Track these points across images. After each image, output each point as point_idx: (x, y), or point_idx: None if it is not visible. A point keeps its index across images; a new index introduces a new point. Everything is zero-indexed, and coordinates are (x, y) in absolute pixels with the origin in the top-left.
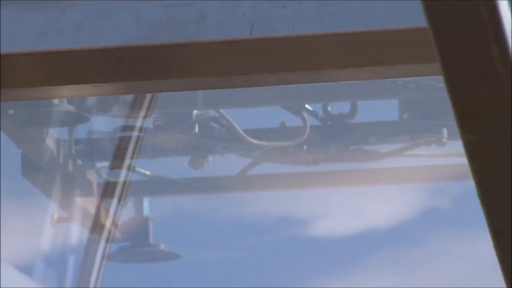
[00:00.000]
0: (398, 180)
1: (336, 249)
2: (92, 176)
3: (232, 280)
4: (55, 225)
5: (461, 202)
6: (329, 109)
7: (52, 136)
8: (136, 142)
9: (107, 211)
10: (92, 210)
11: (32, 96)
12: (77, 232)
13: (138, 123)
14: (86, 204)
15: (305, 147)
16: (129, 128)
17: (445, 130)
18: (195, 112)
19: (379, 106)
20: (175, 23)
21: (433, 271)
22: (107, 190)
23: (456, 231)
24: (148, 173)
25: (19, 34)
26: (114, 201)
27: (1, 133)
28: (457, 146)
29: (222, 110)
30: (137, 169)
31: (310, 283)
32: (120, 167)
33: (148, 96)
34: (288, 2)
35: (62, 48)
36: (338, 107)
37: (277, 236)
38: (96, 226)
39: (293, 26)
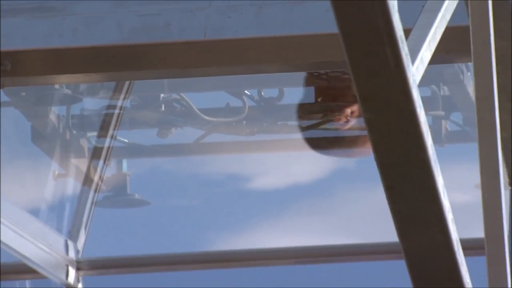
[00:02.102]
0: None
1: (270, 198)
2: (84, 143)
3: (189, 221)
4: (56, 179)
5: (363, 163)
6: (263, 93)
7: (54, 112)
8: (118, 117)
9: (95, 169)
10: (84, 168)
11: (39, 82)
12: (72, 185)
13: (119, 103)
14: (79, 163)
15: (244, 122)
16: (112, 107)
17: (348, 110)
18: (162, 95)
19: (300, 91)
20: (147, 29)
21: (342, 214)
22: (95, 153)
23: (359, 185)
24: (126, 140)
25: (30, 35)
26: (101, 162)
27: (16, 110)
28: (359, 122)
29: (182, 94)
30: (118, 137)
31: (251, 223)
32: (105, 136)
33: (127, 83)
34: (232, 13)
35: (62, 46)
36: (269, 92)
37: (225, 188)
38: (87, 180)
39: (236, 31)
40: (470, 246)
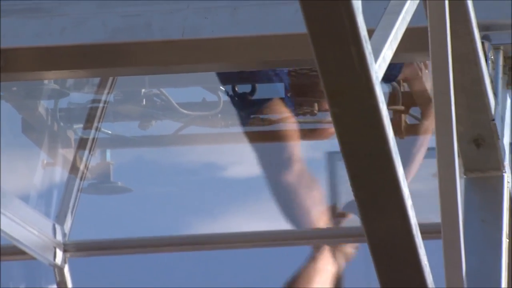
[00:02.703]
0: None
1: (243, 186)
2: (71, 134)
3: (168, 207)
4: (44, 168)
5: (330, 154)
6: (236, 89)
7: (43, 106)
8: (102, 111)
9: (81, 158)
10: (70, 157)
11: (29, 77)
12: (59, 173)
13: (103, 97)
14: (66, 153)
15: (219, 115)
16: (97, 101)
17: (316, 104)
18: (143, 90)
19: (272, 87)
20: (130, 28)
21: None
22: (81, 144)
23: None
24: (110, 132)
25: (22, 34)
26: (86, 152)
27: (7, 104)
28: (326, 116)
29: (162, 89)
30: (102, 129)
31: (226, 209)
32: (90, 128)
33: (110, 79)
34: (209, 14)
35: (51, 45)
36: (243, 88)
37: (201, 176)
38: (73, 169)
39: (212, 31)
40: (427, 230)
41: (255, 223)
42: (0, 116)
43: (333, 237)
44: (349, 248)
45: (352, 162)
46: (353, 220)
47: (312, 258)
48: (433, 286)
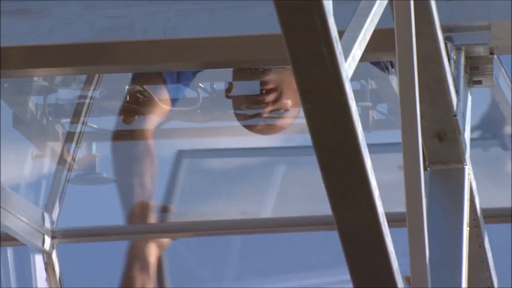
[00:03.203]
0: (260, 131)
1: (221, 175)
2: (59, 128)
3: None
4: (34, 159)
5: (304, 146)
6: (215, 86)
7: (33, 101)
8: (88, 106)
9: (68, 151)
10: (58, 150)
11: (20, 75)
12: (48, 164)
13: (89, 93)
14: (54, 146)
15: (198, 111)
16: (83, 96)
17: (289, 101)
18: (126, 87)
19: (248, 84)
20: (114, 29)
21: (281, 191)
22: (68, 137)
23: (298, 167)
24: (95, 126)
25: (13, 34)
26: (73, 145)
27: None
28: (298, 112)
29: (144, 86)
30: (88, 123)
31: (204, 197)
32: (77, 122)
33: (96, 76)
34: (189, 15)
35: (40, 44)
36: (220, 85)
37: (181, 166)
38: (61, 161)
39: (192, 31)
40: (393, 219)
41: (232, 210)
42: None
43: (304, 225)
44: (166, 240)
45: (323, 155)
46: (323, 209)
47: (131, 248)
48: (399, 271)
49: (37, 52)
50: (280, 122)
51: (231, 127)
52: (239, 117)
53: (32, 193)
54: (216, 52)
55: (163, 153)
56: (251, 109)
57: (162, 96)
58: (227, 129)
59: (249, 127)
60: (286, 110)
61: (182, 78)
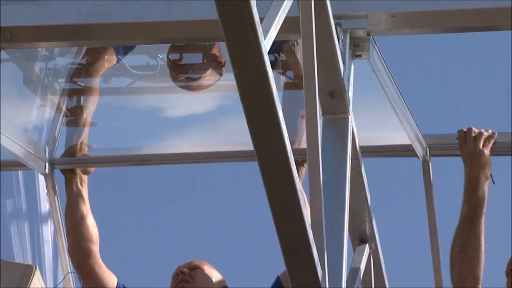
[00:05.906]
0: (209, 91)
1: (178, 122)
2: (57, 86)
3: (124, 135)
4: (38, 108)
5: (236, 104)
6: (170, 56)
7: (38, 66)
8: (78, 70)
9: (63, 102)
10: (56, 101)
11: (28, 46)
12: (48, 112)
13: (79, 61)
14: (53, 99)
15: (158, 74)
16: (74, 63)
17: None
18: (106, 56)
19: (193, 56)
20: (97, 14)
21: (222, 133)
22: (64, 92)
23: (233, 116)
24: (83, 84)
25: (23, 16)
26: (66, 98)
27: (13, 64)
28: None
29: (119, 56)
30: (78, 82)
31: (165, 137)
32: (70, 81)
33: (84, 48)
34: (151, 5)
35: (43, 24)
36: (174, 56)
37: (148, 116)
38: (58, 109)
39: (153, 16)
40: (298, 154)
41: (186, 147)
42: (7, 73)
43: (238, 156)
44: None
45: (247, 105)
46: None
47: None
48: (302, 190)
49: (40, 30)
50: (204, 83)
51: (182, 87)
52: (175, 80)
53: (37, 132)
54: (172, 32)
55: (135, 104)
56: (187, 74)
57: (111, 56)
58: (179, 88)
59: (184, 87)
60: (211, 75)
61: (127, 49)
